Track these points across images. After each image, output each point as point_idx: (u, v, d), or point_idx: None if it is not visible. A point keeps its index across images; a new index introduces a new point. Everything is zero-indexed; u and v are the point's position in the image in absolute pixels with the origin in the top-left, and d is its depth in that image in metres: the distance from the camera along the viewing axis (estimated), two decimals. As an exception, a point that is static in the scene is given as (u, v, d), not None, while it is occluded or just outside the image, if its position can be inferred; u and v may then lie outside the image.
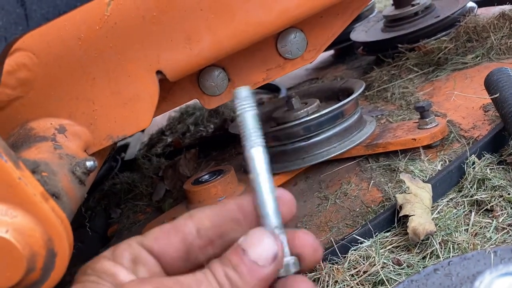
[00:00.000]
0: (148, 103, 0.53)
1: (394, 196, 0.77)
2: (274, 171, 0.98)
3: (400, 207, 0.72)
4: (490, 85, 0.85)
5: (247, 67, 0.60)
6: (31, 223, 0.39)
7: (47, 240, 0.40)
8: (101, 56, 0.51)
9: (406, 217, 0.70)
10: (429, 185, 0.74)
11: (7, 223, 0.39)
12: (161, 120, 1.89)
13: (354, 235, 0.72)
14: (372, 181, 0.90)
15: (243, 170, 1.07)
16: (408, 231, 0.68)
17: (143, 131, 1.93)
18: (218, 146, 1.38)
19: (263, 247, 0.34)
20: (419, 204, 0.72)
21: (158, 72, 0.53)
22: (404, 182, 0.76)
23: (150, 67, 0.52)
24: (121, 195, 1.29)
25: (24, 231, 0.39)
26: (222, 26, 0.52)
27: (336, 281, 0.65)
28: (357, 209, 0.84)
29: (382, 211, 0.78)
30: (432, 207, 0.75)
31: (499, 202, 0.69)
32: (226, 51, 0.54)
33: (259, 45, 0.59)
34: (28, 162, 0.42)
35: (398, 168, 0.88)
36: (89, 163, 0.49)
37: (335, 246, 0.70)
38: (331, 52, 1.79)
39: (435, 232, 0.67)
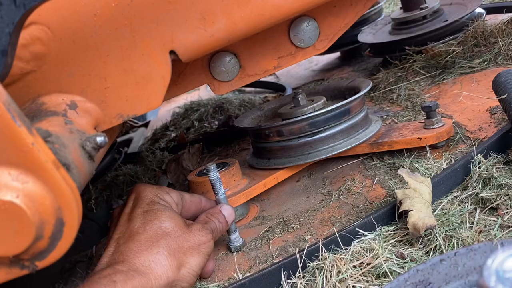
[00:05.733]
0: (160, 83, 0.53)
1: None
2: (278, 166, 0.98)
3: (400, 202, 0.72)
4: (498, 86, 0.85)
5: (258, 53, 0.60)
6: (42, 191, 0.39)
7: (57, 209, 0.40)
8: (116, 33, 0.52)
9: (408, 212, 0.70)
10: (428, 179, 0.74)
11: (18, 189, 0.38)
12: (166, 115, 1.89)
13: (355, 227, 0.72)
14: (376, 178, 0.90)
15: (247, 165, 1.07)
16: (408, 226, 0.68)
17: (146, 126, 1.93)
18: (222, 142, 1.38)
19: (228, 210, 0.82)
20: (418, 199, 0.71)
21: (171, 52, 0.53)
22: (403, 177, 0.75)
23: (164, 46, 0.53)
24: (123, 186, 1.29)
25: (34, 198, 0.39)
26: (238, 8, 0.53)
27: (339, 271, 0.64)
28: (361, 205, 0.84)
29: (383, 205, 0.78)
30: (435, 203, 0.75)
31: (505, 200, 0.69)
32: (240, 34, 0.54)
33: (272, 32, 0.59)
34: (40, 130, 0.41)
35: (403, 166, 0.88)
36: (99, 139, 0.49)
37: (337, 234, 0.70)
38: (338, 54, 1.80)
39: (435, 226, 0.66)
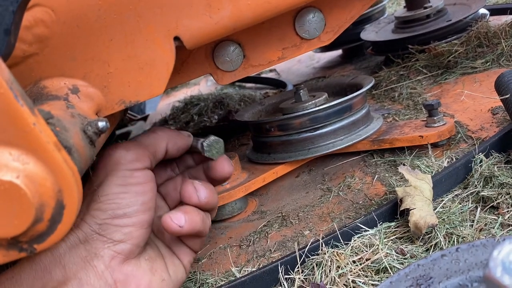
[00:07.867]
0: (163, 70, 0.53)
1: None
2: (278, 161, 0.97)
3: (401, 200, 0.71)
4: (500, 86, 0.85)
5: (263, 44, 0.60)
6: (43, 172, 0.38)
7: (57, 191, 0.40)
8: (120, 18, 0.51)
9: (408, 209, 0.70)
10: (429, 176, 0.74)
11: (18, 169, 0.38)
12: (165, 109, 1.88)
13: (357, 223, 0.72)
14: (377, 175, 0.89)
15: (247, 160, 1.07)
16: (409, 225, 0.68)
17: (145, 119, 1.92)
18: (221, 136, 1.37)
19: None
20: (419, 197, 0.71)
21: (176, 39, 0.53)
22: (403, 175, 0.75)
23: (168, 32, 0.52)
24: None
25: (35, 179, 0.38)
26: (244, -4, 0.52)
27: (339, 266, 0.64)
28: (360, 202, 0.83)
29: (385, 203, 0.78)
30: (436, 201, 0.75)
31: (506, 199, 0.69)
32: (245, 22, 0.53)
33: (277, 22, 0.58)
34: (42, 112, 0.41)
35: (403, 164, 0.88)
36: (101, 124, 0.48)
37: (338, 232, 0.70)
38: (339, 52, 1.80)
39: (437, 224, 0.66)
